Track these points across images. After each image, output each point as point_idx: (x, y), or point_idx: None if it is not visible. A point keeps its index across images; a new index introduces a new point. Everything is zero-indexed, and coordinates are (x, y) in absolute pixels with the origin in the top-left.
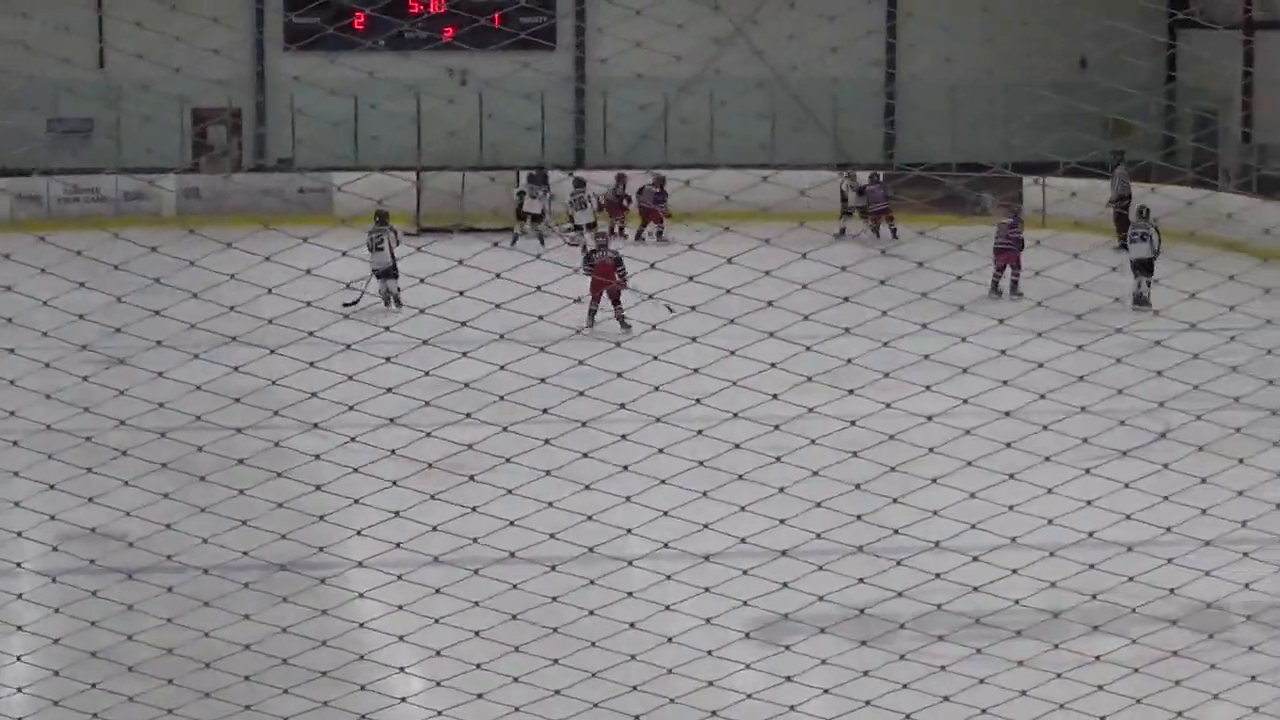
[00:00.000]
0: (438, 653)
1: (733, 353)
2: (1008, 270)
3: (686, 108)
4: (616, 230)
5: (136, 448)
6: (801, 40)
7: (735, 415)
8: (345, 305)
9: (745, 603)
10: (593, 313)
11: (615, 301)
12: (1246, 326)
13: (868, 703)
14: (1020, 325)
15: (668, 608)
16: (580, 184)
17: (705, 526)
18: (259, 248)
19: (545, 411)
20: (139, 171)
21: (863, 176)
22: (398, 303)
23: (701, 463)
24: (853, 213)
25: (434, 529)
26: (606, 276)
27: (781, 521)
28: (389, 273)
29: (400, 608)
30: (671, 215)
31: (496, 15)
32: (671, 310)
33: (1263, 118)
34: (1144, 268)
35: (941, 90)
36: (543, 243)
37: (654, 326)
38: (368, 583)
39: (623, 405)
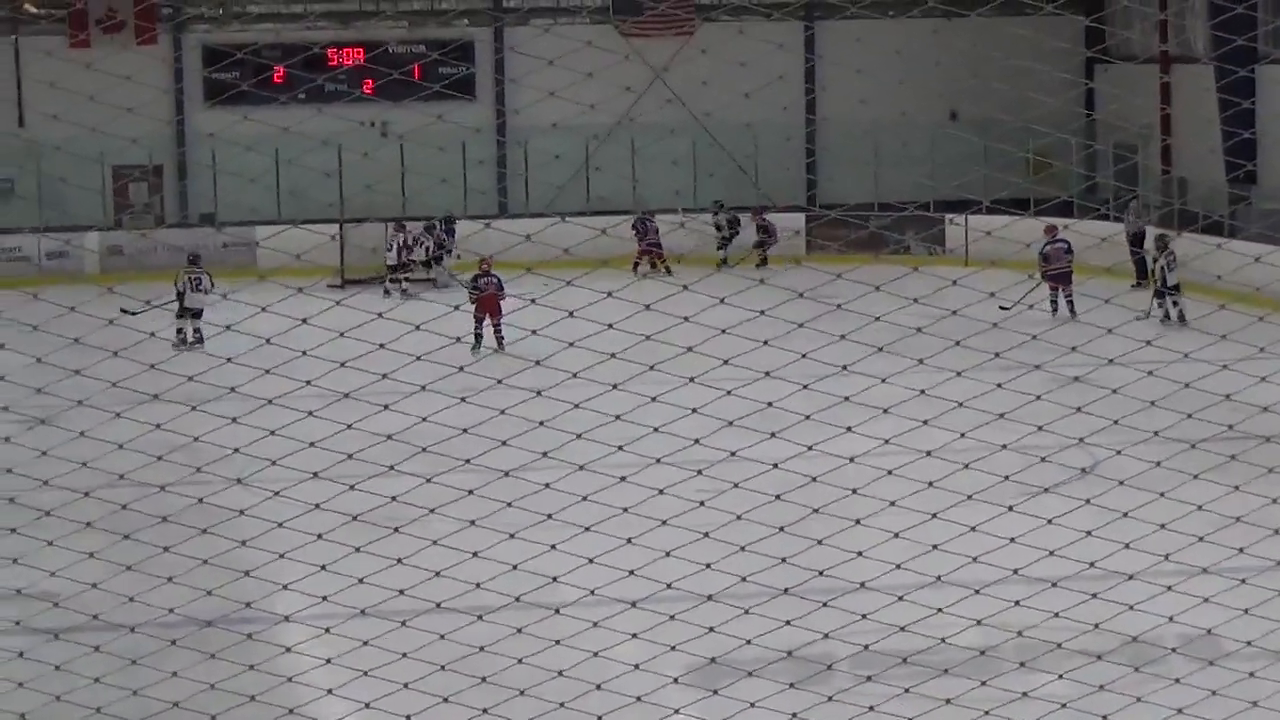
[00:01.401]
0: (367, 705)
1: (654, 399)
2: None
3: (605, 156)
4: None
5: (61, 507)
6: (715, 86)
7: (658, 461)
8: (123, 311)
9: (673, 647)
10: (479, 336)
11: (495, 323)
12: (1164, 360)
13: None
14: (940, 364)
15: (596, 654)
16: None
17: (631, 572)
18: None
19: (468, 462)
20: (60, 230)
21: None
22: (201, 341)
23: (626, 509)
24: (727, 244)
25: (361, 581)
26: (490, 302)
27: (707, 565)
28: (199, 313)
29: (329, 661)
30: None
31: (416, 67)
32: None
33: (1181, 152)
34: (1176, 289)
35: (858, 132)
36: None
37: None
38: (296, 636)
39: (545, 454)
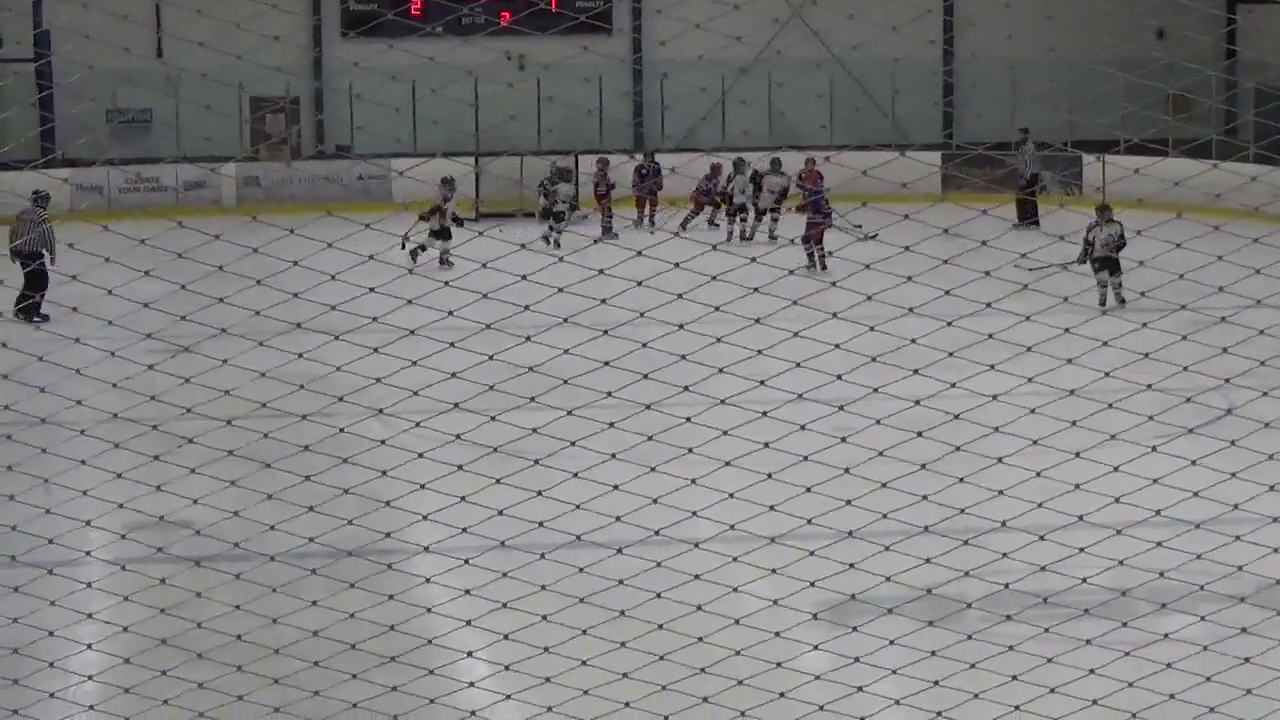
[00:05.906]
0: (505, 636)
1: (796, 334)
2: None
3: (745, 89)
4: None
5: (203, 435)
6: (861, 19)
7: (800, 396)
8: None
9: (812, 584)
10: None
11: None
12: None
13: (936, 683)
14: (1084, 303)
15: (735, 589)
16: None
17: (771, 508)
18: (321, 234)
19: (609, 395)
20: (199, 160)
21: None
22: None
23: (766, 444)
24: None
25: (500, 513)
26: None
27: (848, 502)
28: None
29: (467, 592)
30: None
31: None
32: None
33: None
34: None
35: (1001, 68)
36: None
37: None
38: (435, 567)
39: (687, 388)
